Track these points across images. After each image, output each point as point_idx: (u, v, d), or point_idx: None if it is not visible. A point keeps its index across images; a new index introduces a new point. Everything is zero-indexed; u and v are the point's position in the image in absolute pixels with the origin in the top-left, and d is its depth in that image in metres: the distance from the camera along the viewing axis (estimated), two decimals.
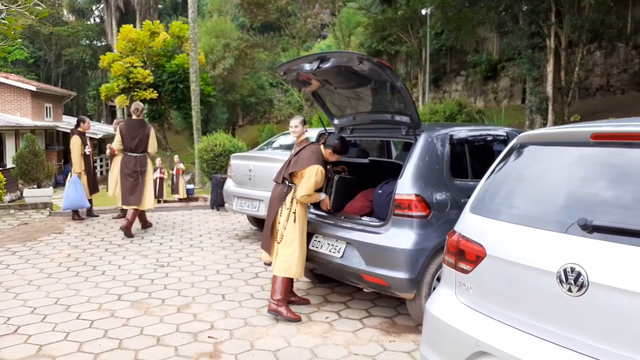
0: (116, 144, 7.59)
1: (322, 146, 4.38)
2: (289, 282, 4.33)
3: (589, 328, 1.83)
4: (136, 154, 7.45)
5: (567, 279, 1.89)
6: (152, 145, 7.59)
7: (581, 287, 1.85)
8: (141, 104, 7.77)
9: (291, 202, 4.27)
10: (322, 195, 4.41)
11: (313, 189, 4.22)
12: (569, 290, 1.88)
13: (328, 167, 4.52)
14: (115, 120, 9.32)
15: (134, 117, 7.56)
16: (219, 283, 5.17)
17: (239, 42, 26.75)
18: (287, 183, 4.35)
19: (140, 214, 7.72)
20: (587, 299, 1.84)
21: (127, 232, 7.20)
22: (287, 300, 4.33)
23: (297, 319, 4.15)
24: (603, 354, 1.79)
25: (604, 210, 1.93)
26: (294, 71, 4.52)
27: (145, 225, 7.88)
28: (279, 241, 4.27)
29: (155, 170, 13.41)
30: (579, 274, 1.86)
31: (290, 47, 29.50)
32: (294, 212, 4.25)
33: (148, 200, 7.55)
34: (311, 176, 4.21)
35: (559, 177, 2.21)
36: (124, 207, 7.52)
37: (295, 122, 4.62)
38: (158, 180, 13.11)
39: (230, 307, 4.49)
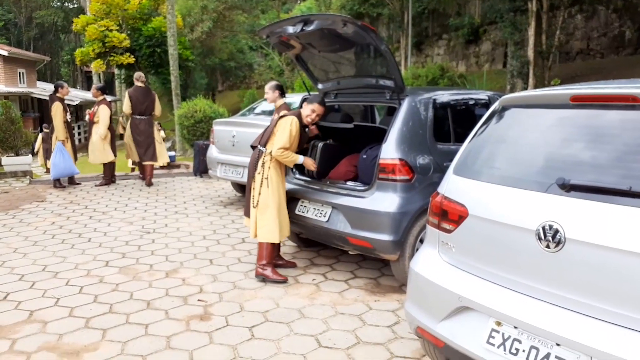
0: (126, 107, 8.56)
1: (304, 103, 4.39)
2: (273, 246, 4.37)
3: (565, 282, 1.94)
4: (145, 117, 8.70)
5: (545, 236, 1.99)
6: (158, 109, 8.93)
7: (558, 243, 1.95)
8: (142, 74, 8.95)
9: (262, 166, 4.26)
10: (301, 158, 4.35)
11: (289, 142, 4.18)
12: (547, 246, 1.98)
13: (308, 130, 4.52)
14: (93, 86, 9.11)
15: (139, 84, 8.67)
16: (206, 248, 5.23)
17: (217, 4, 26.05)
18: (259, 147, 4.36)
19: (148, 169, 8.86)
20: (563, 255, 1.94)
21: (150, 183, 8.78)
22: (274, 264, 4.41)
23: (284, 280, 4.25)
24: (578, 306, 1.90)
25: (581, 170, 2.01)
26: (277, 34, 4.47)
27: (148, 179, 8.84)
28: (255, 206, 4.27)
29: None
30: (557, 231, 1.95)
31: (269, 10, 28.86)
32: (266, 178, 4.23)
33: (163, 154, 9.01)
34: (285, 127, 4.19)
35: (539, 138, 2.28)
36: (145, 163, 8.82)
37: (267, 88, 4.58)
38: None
39: (218, 271, 4.57)
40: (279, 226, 4.25)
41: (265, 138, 4.36)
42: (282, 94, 5.55)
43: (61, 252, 5.08)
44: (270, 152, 4.24)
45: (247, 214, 4.47)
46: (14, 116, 10.10)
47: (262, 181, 4.25)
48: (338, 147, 4.86)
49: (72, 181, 8.74)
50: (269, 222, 4.23)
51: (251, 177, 4.39)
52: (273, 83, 4.61)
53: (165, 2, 17.87)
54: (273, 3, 26.01)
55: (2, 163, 9.95)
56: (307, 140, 4.60)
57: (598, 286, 1.84)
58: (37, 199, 7.67)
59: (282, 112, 4.50)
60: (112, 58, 21.08)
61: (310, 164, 4.47)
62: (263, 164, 4.27)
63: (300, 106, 4.57)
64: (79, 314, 3.66)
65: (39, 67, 29.19)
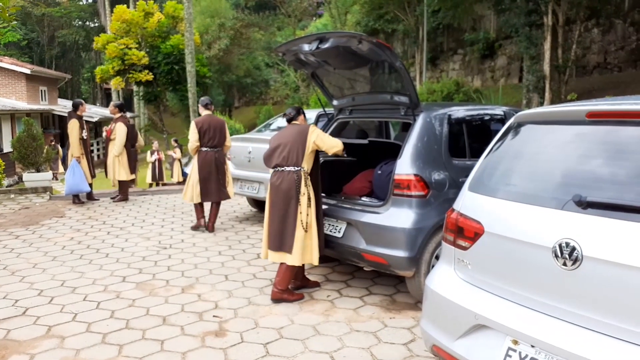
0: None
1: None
2: (297, 269, 4.28)
3: (583, 300, 1.91)
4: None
5: (562, 253, 1.96)
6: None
7: (575, 261, 1.92)
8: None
9: (306, 186, 4.09)
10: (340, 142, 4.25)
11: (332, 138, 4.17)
12: (564, 264, 1.96)
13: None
14: (111, 103, 9.28)
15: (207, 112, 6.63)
16: (221, 264, 5.25)
17: (234, 21, 26.52)
18: (292, 169, 4.11)
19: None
20: (581, 272, 1.91)
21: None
22: (300, 286, 4.39)
23: (301, 297, 4.25)
24: (596, 325, 1.87)
25: (598, 186, 1.99)
26: (293, 52, 4.53)
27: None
28: (306, 230, 4.07)
29: (152, 153, 13.46)
30: (574, 249, 1.93)
31: (285, 26, 29.24)
32: (309, 198, 4.09)
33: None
34: (319, 131, 4.17)
35: (555, 155, 2.27)
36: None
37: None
38: (156, 162, 13.16)
39: (233, 287, 4.58)
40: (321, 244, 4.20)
41: (294, 157, 4.12)
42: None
43: (79, 268, 5.15)
44: (306, 169, 4.12)
45: (277, 247, 4.15)
46: (35, 133, 10.32)
47: (308, 202, 4.08)
48: (341, 162, 4.78)
49: (90, 197, 8.87)
50: (313, 242, 4.12)
51: (283, 201, 4.11)
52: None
53: (184, 20, 18.22)
54: (289, 20, 26.34)
55: (24, 179, 10.15)
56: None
57: (616, 304, 1.81)
58: (57, 214, 7.80)
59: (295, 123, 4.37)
60: (131, 75, 21.49)
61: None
62: (305, 183, 4.10)
63: (316, 122, 4.60)
64: (96, 329, 3.70)
65: (60, 85, 29.85)
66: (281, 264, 4.18)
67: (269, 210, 4.24)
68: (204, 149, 6.43)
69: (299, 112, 4.40)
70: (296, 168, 4.11)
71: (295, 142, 4.14)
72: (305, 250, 4.09)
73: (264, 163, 4.40)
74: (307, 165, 4.13)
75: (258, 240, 6.18)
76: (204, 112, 6.56)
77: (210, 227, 6.61)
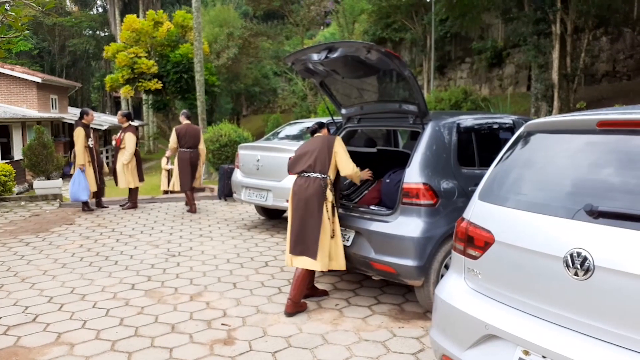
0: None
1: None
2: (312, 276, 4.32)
3: (595, 311, 1.90)
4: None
5: (573, 263, 1.95)
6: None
7: (587, 271, 1.91)
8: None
9: (332, 193, 4.14)
10: (361, 171, 4.36)
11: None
12: (575, 274, 1.95)
13: None
14: (119, 113, 9.35)
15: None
16: (229, 272, 5.26)
17: (243, 30, 26.71)
18: (319, 175, 4.13)
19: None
20: (592, 282, 1.90)
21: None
22: (308, 295, 4.39)
23: (306, 307, 4.25)
24: (608, 336, 1.85)
25: (609, 196, 1.98)
26: (302, 61, 4.56)
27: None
28: (332, 236, 4.12)
29: (168, 160, 13.48)
30: (585, 259, 1.92)
31: (293, 36, 29.42)
32: (334, 205, 4.16)
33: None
34: (342, 147, 4.20)
35: (565, 164, 2.27)
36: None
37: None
38: (172, 170, 13.17)
39: (241, 295, 4.58)
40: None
41: (320, 164, 4.15)
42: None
43: (89, 275, 5.18)
44: (332, 178, 4.16)
45: (300, 252, 4.13)
46: (46, 141, 10.43)
47: (332, 209, 4.13)
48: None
49: (99, 204, 8.93)
50: (339, 248, 4.19)
51: (307, 205, 4.10)
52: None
53: (193, 29, 18.38)
54: (297, 29, 26.49)
55: (34, 187, 10.24)
56: None
57: (628, 315, 1.80)
58: (67, 221, 7.85)
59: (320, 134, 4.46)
60: (140, 84, 21.70)
61: (368, 174, 4.50)
62: (331, 191, 4.12)
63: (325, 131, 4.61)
64: (105, 336, 3.71)
65: (70, 93, 30.17)
66: (298, 273, 4.14)
67: (291, 215, 4.24)
68: (181, 149, 8.42)
69: (322, 125, 4.52)
70: (322, 175, 4.13)
71: (322, 151, 4.18)
72: (331, 256, 4.15)
73: (288, 170, 4.41)
74: (332, 174, 4.18)
75: (266, 248, 6.19)
76: (184, 121, 8.58)
77: (193, 210, 8.55)
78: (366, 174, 4.49)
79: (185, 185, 8.42)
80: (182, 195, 10.19)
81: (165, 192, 10.43)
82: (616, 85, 16.64)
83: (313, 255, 4.06)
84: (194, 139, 8.43)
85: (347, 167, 4.16)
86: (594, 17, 13.14)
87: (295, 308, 4.11)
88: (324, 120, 6.94)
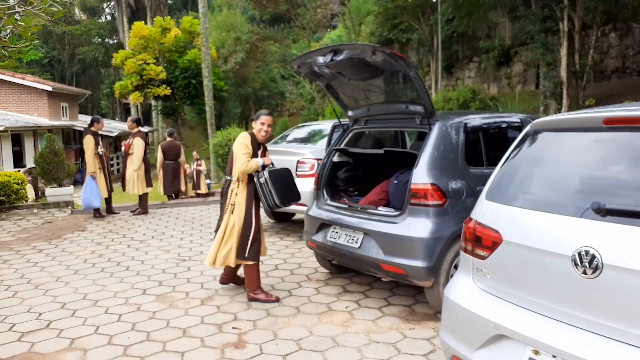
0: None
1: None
2: (254, 268, 4.48)
3: (604, 309, 1.89)
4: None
5: (581, 262, 1.94)
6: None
7: (595, 269, 1.90)
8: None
9: (231, 194, 4.43)
10: (260, 160, 4.38)
11: (245, 156, 4.28)
12: (584, 272, 1.94)
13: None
14: (129, 119, 9.43)
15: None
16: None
17: (250, 35, 26.82)
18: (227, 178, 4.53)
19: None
20: (601, 281, 1.89)
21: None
22: (234, 281, 4.82)
23: (275, 300, 4.45)
24: (618, 334, 1.84)
25: (617, 194, 1.97)
26: (308, 64, 4.58)
27: None
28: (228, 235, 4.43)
29: (194, 162, 13.56)
30: (593, 257, 1.91)
31: (300, 39, 29.49)
32: (232, 204, 4.39)
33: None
34: (238, 146, 4.32)
35: (572, 162, 2.26)
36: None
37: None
38: (195, 172, 13.26)
39: None
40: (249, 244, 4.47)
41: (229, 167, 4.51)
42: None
43: (101, 281, 5.22)
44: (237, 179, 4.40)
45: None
46: (57, 149, 10.55)
47: (232, 209, 4.41)
48: (285, 169, 4.58)
49: (110, 210, 9.01)
50: (232, 244, 4.43)
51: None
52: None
53: (200, 35, 18.50)
54: (304, 32, 26.54)
55: (46, 194, 10.35)
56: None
57: (638, 313, 1.79)
58: (79, 228, 7.93)
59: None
60: (149, 90, 21.87)
61: (269, 161, 4.50)
62: (231, 191, 4.43)
63: (331, 133, 4.63)
64: (117, 342, 3.74)
65: (80, 101, 30.47)
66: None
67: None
68: (166, 162, 10.99)
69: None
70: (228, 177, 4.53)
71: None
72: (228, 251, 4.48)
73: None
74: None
75: (276, 251, 6.20)
76: (168, 139, 11.28)
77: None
78: (268, 161, 4.49)
79: (167, 189, 10.98)
80: (191, 200, 10.28)
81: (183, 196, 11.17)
82: (626, 81, 16.47)
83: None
84: (175, 153, 11.05)
85: (236, 163, 4.34)
86: (601, 14, 13.04)
87: (251, 297, 4.50)
88: (331, 122, 6.95)
